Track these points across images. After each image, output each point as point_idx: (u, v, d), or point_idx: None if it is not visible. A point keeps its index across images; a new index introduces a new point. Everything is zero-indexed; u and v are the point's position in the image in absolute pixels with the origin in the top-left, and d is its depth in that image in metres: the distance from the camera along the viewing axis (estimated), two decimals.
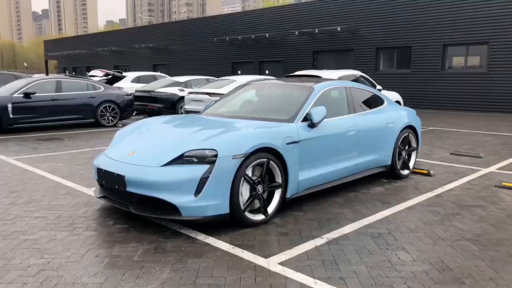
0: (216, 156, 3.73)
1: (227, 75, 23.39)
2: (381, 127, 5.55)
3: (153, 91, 13.72)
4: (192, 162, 3.77)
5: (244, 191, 3.94)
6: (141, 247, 3.51)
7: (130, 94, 13.78)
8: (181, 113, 13.32)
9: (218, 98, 5.60)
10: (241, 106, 5.27)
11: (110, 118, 12.13)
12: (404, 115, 6.02)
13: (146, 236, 3.74)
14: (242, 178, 3.85)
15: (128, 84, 16.18)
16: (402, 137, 5.91)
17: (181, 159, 3.81)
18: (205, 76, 16.89)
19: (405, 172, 6.06)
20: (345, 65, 20.54)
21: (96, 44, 37.12)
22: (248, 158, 3.87)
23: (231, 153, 3.76)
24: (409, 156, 6.19)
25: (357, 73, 11.81)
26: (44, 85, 11.16)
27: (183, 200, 3.64)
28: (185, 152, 3.82)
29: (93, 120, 11.88)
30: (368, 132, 5.32)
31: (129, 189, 3.83)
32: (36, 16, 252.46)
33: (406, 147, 6.10)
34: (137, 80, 16.72)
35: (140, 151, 4.11)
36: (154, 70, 30.98)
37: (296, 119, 4.55)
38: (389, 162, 5.76)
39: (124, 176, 3.83)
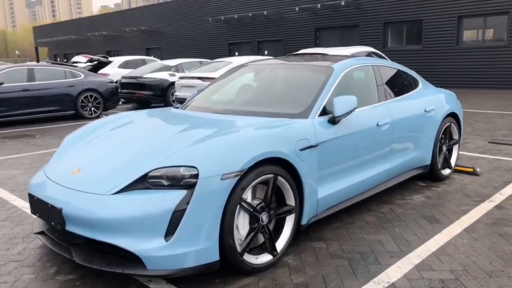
0: (196, 176, 2.45)
1: (223, 57, 21.95)
2: (419, 117, 4.25)
3: (140, 77, 12.36)
4: (160, 187, 2.49)
5: (242, 224, 2.68)
6: None
7: (116, 82, 12.46)
8: (173, 101, 11.98)
9: (208, 84, 4.24)
10: (235, 96, 3.95)
11: (92, 109, 10.82)
12: (444, 100, 4.71)
13: None
14: (238, 206, 2.58)
15: (115, 70, 14.82)
16: (443, 128, 4.61)
17: (143, 182, 2.53)
18: (199, 58, 15.46)
19: (447, 171, 4.78)
20: (350, 42, 19.06)
21: (87, 29, 35.50)
22: (246, 176, 2.59)
23: (220, 171, 2.48)
24: (450, 151, 4.90)
25: (369, 49, 10.43)
26: (14, 74, 9.81)
27: (148, 247, 2.38)
28: (150, 171, 2.54)
29: (73, 111, 10.56)
30: (405, 124, 4.03)
31: (70, 228, 2.56)
32: (30, 3, 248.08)
33: (447, 140, 4.81)
34: (124, 65, 15.33)
35: (89, 167, 2.82)
36: (147, 55, 29.47)
37: (312, 113, 3.25)
38: (428, 161, 4.47)
39: (61, 210, 2.56)
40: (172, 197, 2.42)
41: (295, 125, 3.02)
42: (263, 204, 2.77)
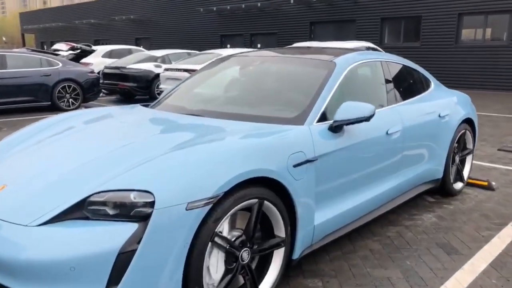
0: (152, 205, 1.79)
1: (214, 49, 21.21)
2: (434, 123, 3.63)
3: (124, 68, 11.61)
4: (103, 217, 1.83)
5: (215, 266, 2.04)
6: None
7: (98, 72, 11.71)
8: (158, 93, 11.26)
9: (186, 78, 3.57)
10: (216, 94, 3.27)
11: (70, 100, 10.06)
12: (459, 104, 4.10)
13: None
14: (210, 243, 1.94)
15: (98, 59, 14.04)
16: (458, 135, 3.99)
17: (81, 210, 1.86)
18: (187, 50, 14.72)
19: (459, 185, 4.18)
20: (346, 38, 18.41)
21: (75, 16, 34.40)
22: (221, 203, 1.95)
23: (185, 197, 1.83)
24: (462, 162, 4.29)
25: (366, 44, 9.81)
26: None
27: None
28: (90, 196, 1.87)
29: (49, 103, 9.80)
30: (417, 132, 3.40)
31: None
32: None
33: (461, 150, 4.20)
34: (108, 54, 14.54)
35: (16, 184, 2.14)
36: (137, 45, 28.54)
37: (309, 118, 2.60)
38: (440, 174, 3.86)
39: None
40: (118, 233, 1.77)
41: (288, 134, 2.38)
42: (243, 237, 2.12)
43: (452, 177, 4.04)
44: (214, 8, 22.71)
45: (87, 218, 1.84)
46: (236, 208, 2.03)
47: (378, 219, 3.49)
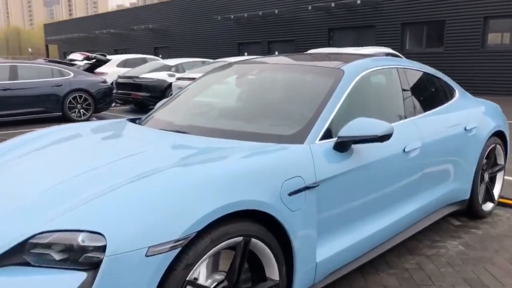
0: (103, 249, 1.44)
1: (232, 57, 20.99)
2: (458, 138, 3.19)
3: (137, 77, 11.43)
4: (47, 263, 1.49)
5: None
6: None
7: (112, 83, 11.58)
8: None
9: (182, 89, 3.23)
10: (207, 107, 2.91)
11: (81, 110, 9.91)
12: (488, 115, 3.65)
13: None
14: None
15: (113, 69, 13.93)
16: (487, 150, 3.54)
17: (21, 254, 1.53)
18: (203, 58, 14.50)
19: (488, 206, 3.71)
20: (365, 44, 17.92)
21: (95, 27, 34.88)
22: (194, 244, 1.59)
23: (144, 241, 1.48)
24: (492, 179, 3.82)
25: (386, 50, 9.36)
26: None
27: None
28: (32, 236, 1.53)
29: (60, 113, 9.66)
30: (439, 149, 2.98)
31: None
32: (48, 1, 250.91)
33: (491, 166, 3.73)
34: (123, 64, 14.43)
35: None
36: (155, 54, 28.65)
37: (311, 135, 2.22)
38: (466, 195, 3.41)
39: None
40: (63, 284, 1.43)
41: (282, 155, 2.00)
42: (226, 283, 1.75)
43: (480, 197, 3.58)
44: (232, 16, 22.55)
45: (28, 264, 1.50)
46: (214, 249, 1.66)
47: (395, 246, 3.06)
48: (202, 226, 1.58)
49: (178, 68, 12.07)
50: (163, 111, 3.01)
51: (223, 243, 1.69)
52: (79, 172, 1.89)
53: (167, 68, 11.95)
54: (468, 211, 3.57)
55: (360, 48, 8.94)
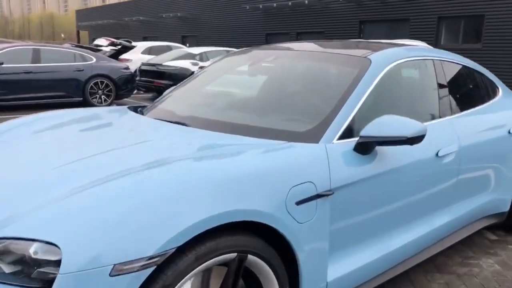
0: (58, 265, 1.17)
1: None
2: (501, 142, 2.80)
3: (160, 65, 11.25)
4: None
5: None
6: None
7: (135, 70, 11.45)
8: None
9: (193, 74, 2.94)
10: (214, 97, 2.61)
11: (102, 96, 9.79)
12: None
13: None
14: None
15: (138, 56, 13.82)
16: None
17: None
18: (230, 48, 14.20)
19: None
20: (398, 38, 17.24)
21: (125, 14, 35.08)
22: (173, 262, 1.30)
23: (109, 257, 1.20)
24: None
25: (421, 44, 8.82)
26: (17, 54, 8.90)
27: None
28: None
29: (81, 99, 9.57)
30: (479, 154, 2.60)
31: None
32: None
33: None
34: (148, 51, 14.29)
35: None
36: (183, 42, 28.57)
37: (327, 133, 1.89)
38: (506, 207, 3.01)
39: None
40: None
41: (291, 155, 1.69)
42: None
43: None
44: (260, 6, 22.14)
45: None
46: (200, 267, 1.37)
47: (421, 263, 2.71)
48: (183, 241, 1.29)
49: (202, 57, 11.83)
50: (167, 100, 2.73)
51: (212, 261, 1.40)
52: (54, 165, 1.63)
53: (191, 56, 11.73)
54: (506, 225, 3.17)
55: (392, 41, 8.44)
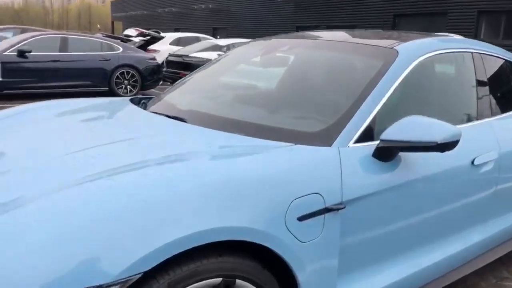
0: None
1: None
2: None
3: (186, 56, 11.12)
4: None
5: None
6: None
7: (163, 61, 11.37)
8: None
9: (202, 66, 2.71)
10: (219, 90, 2.36)
11: (128, 87, 9.73)
12: None
13: None
14: None
15: (166, 47, 13.76)
16: None
17: None
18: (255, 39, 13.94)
19: None
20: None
21: (158, 5, 35.31)
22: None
23: (57, 284, 0.97)
24: None
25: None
26: (45, 42, 8.93)
27: None
28: None
29: (107, 88, 9.55)
30: None
31: None
32: None
33: None
34: (176, 42, 14.22)
35: None
36: (213, 35, 28.50)
37: (342, 134, 1.62)
38: None
39: None
40: None
41: (294, 161, 1.44)
42: None
43: None
44: None
45: None
46: None
47: (451, 284, 2.40)
48: (153, 264, 1.07)
49: (229, 49, 11.60)
50: (174, 92, 2.51)
51: (192, 286, 1.17)
52: (34, 163, 1.44)
53: (218, 48, 11.54)
54: None
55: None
